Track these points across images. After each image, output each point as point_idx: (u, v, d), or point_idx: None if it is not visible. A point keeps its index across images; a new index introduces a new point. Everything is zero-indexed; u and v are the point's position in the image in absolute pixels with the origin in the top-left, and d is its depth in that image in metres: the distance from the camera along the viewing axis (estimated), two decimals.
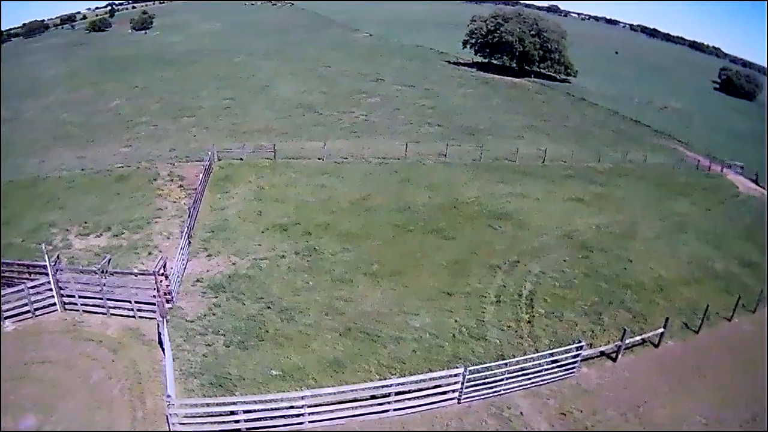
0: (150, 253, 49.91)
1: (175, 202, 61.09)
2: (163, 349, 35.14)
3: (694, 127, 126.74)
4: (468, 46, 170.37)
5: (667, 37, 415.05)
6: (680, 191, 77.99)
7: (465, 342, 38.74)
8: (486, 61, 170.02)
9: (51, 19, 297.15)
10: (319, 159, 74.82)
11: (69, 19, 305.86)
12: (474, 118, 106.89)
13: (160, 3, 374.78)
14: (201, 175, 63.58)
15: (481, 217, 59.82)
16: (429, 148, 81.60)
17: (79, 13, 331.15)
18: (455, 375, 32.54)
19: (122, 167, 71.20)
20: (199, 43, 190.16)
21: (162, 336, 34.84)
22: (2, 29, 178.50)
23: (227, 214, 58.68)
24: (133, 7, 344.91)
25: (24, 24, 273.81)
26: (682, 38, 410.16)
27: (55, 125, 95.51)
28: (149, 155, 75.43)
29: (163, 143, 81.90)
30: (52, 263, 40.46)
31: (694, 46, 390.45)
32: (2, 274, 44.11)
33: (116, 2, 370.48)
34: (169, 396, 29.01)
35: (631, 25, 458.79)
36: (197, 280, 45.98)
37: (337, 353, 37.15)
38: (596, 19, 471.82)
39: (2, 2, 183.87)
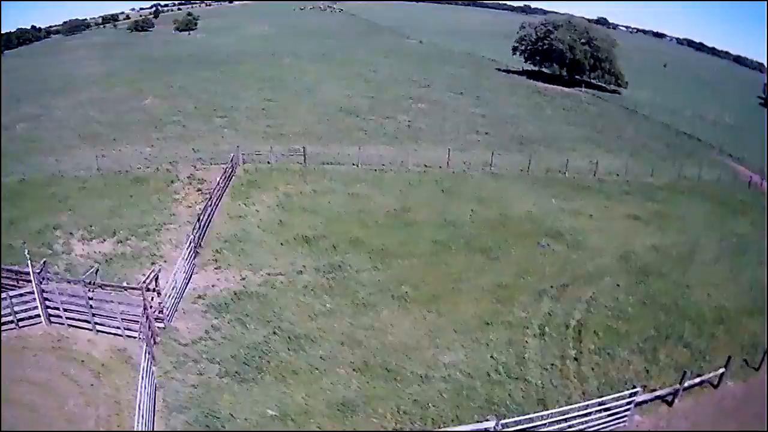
0: (154, 263, 46.79)
1: (190, 207, 57.98)
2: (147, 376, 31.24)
3: (745, 143, 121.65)
4: (518, 53, 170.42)
5: (713, 51, 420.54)
6: (738, 209, 73.36)
7: (501, 383, 34.70)
8: (536, 69, 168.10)
9: (93, 18, 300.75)
10: (354, 166, 70.89)
11: (112, 18, 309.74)
12: (525, 127, 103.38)
13: (207, 5, 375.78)
14: (219, 179, 60.27)
15: (530, 235, 55.79)
16: (477, 158, 77.62)
17: (122, 12, 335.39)
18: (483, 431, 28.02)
19: (141, 168, 68.50)
20: (246, 45, 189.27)
21: (141, 364, 30.83)
22: (8, 30, 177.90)
23: (246, 223, 55.45)
24: (179, 9, 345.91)
25: (64, 22, 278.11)
26: (727, 52, 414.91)
27: (83, 123, 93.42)
28: (172, 156, 72.44)
29: (190, 144, 78.83)
30: (37, 271, 37.51)
31: (738, 60, 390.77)
32: None
33: (161, 3, 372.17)
34: None
35: (678, 39, 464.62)
36: (199, 297, 42.73)
37: (349, 393, 33.27)
38: (644, 32, 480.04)
39: (2, 3, 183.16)
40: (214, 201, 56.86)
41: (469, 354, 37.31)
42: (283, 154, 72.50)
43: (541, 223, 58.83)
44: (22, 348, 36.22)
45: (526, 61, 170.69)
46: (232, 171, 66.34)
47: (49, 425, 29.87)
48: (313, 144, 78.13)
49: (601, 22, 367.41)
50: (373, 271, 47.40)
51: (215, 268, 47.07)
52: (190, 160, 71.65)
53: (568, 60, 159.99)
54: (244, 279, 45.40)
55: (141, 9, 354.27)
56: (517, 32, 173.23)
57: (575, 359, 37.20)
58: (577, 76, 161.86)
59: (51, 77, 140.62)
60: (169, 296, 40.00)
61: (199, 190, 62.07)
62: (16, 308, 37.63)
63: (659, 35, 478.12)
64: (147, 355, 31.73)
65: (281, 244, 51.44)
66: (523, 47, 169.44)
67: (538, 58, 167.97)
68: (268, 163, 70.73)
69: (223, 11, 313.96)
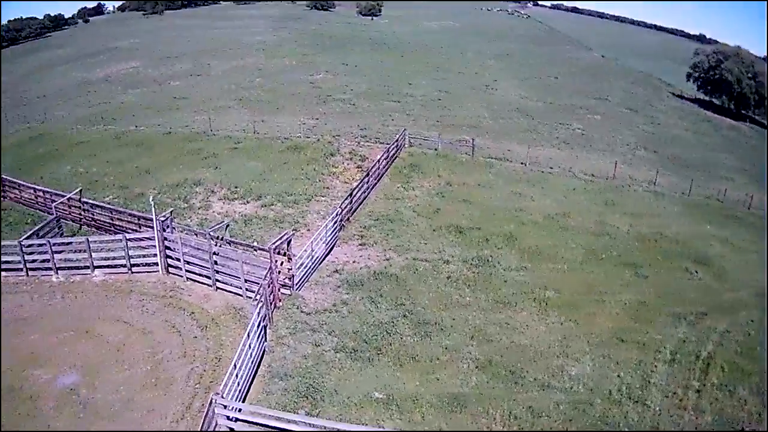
0: (296, 230, 46.29)
1: (346, 182, 57.37)
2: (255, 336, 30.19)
3: None
4: (691, 80, 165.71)
5: None
6: None
7: (620, 403, 32.15)
8: (707, 99, 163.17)
9: None
10: (522, 164, 68.55)
11: None
12: (689, 151, 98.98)
13: None
14: (380, 158, 59.20)
15: (679, 257, 52.17)
16: (640, 174, 74.21)
17: None
18: None
19: (300, 138, 68.69)
20: (428, 36, 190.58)
21: (251, 321, 29.70)
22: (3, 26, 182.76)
23: (401, 204, 54.29)
24: None
25: None
26: None
27: (244, 87, 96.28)
28: (335, 131, 72.55)
29: (355, 121, 79.00)
30: (162, 219, 37.17)
31: None
32: (113, 222, 43.15)
33: None
34: (217, 394, 23.84)
35: None
36: (336, 271, 42.00)
37: (464, 389, 31.31)
38: None
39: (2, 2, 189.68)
40: (371, 179, 56.05)
41: (596, 369, 34.86)
42: (451, 143, 70.73)
43: (692, 247, 55.00)
44: (129, 291, 36.42)
45: (698, 90, 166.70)
46: (396, 152, 65.35)
47: (132, 368, 29.65)
48: (483, 138, 76.40)
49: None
50: (520, 270, 45.07)
51: (360, 245, 46.23)
52: (354, 136, 71.49)
53: (735, 93, 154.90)
54: (387, 260, 44.18)
55: None
56: (692, 58, 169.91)
57: (697, 391, 34.29)
58: (743, 111, 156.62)
59: (215, 40, 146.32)
60: (303, 265, 39.33)
61: (359, 167, 61.39)
62: (131, 252, 37.94)
63: None
64: (259, 316, 30.74)
65: (433, 230, 49.85)
66: (696, 75, 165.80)
67: (709, 87, 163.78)
68: (435, 150, 69.16)
69: (406, 2, 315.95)
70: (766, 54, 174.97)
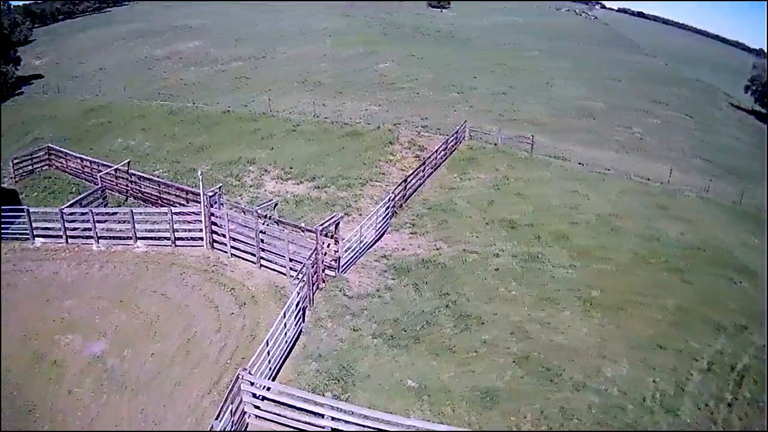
0: (347, 214, 46.47)
1: (403, 170, 56.77)
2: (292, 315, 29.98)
3: None
4: (749, 92, 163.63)
5: None
6: None
7: (652, 411, 31.26)
8: (764, 111, 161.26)
9: None
10: (579, 164, 67.59)
11: None
12: (741, 161, 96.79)
13: None
14: (439, 149, 58.72)
15: (724, 265, 50.75)
16: (693, 180, 72.49)
17: None
18: None
19: (361, 124, 68.54)
20: (494, 31, 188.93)
21: (290, 299, 29.42)
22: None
23: (455, 195, 53.75)
24: None
25: None
26: None
27: (307, 71, 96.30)
28: (396, 119, 72.22)
29: (417, 111, 78.66)
30: (210, 194, 37.03)
31: None
32: (160, 195, 43.68)
33: None
34: (245, 369, 23.44)
35: None
36: (383, 256, 41.66)
37: (498, 383, 30.67)
38: None
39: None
40: (428, 168, 55.63)
41: (632, 373, 33.96)
42: (510, 138, 69.67)
43: (738, 256, 53.71)
44: (171, 264, 36.34)
45: (755, 102, 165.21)
46: (455, 144, 64.83)
47: (164, 341, 29.66)
48: (542, 135, 74.98)
49: None
50: (568, 268, 44.15)
51: (410, 233, 45.92)
52: (415, 125, 71.07)
53: None
54: (437, 249, 43.77)
55: None
56: (750, 71, 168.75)
57: (729, 404, 33.37)
58: None
59: (284, 25, 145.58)
60: (351, 248, 39.08)
61: (417, 156, 60.92)
62: (176, 226, 38.01)
63: None
64: (299, 296, 30.44)
65: (486, 223, 49.16)
66: (754, 87, 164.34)
67: (765, 100, 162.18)
68: (494, 144, 68.31)
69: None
70: (766, 53, 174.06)
